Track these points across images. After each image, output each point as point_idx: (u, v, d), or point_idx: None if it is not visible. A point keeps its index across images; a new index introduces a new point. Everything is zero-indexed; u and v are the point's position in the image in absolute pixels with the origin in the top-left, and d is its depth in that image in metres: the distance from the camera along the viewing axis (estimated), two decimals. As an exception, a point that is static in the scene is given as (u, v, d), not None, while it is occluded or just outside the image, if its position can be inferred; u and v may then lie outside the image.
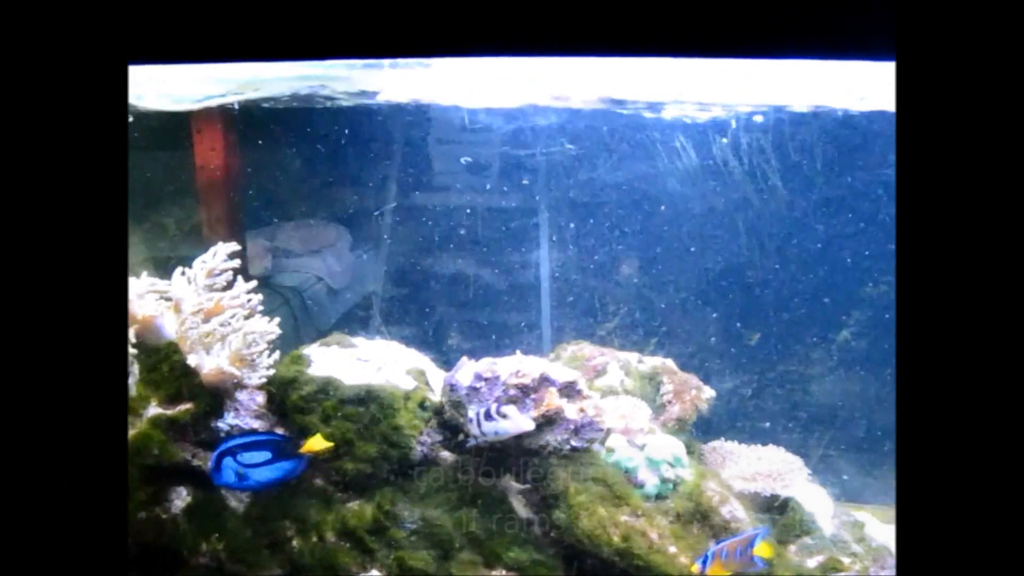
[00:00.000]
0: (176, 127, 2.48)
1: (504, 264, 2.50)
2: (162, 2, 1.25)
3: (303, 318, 2.98)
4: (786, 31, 1.14)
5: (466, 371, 1.75)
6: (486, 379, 1.72)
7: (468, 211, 2.54)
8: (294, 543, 1.78)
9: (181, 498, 1.84)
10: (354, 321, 2.63)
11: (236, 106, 2.45)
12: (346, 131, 2.57)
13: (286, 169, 2.87)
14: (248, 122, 2.57)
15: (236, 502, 1.85)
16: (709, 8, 1.13)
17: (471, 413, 1.66)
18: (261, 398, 1.89)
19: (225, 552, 1.80)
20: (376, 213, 2.75)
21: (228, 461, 1.64)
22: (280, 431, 1.80)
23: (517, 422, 1.59)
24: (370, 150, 2.77)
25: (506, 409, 1.48)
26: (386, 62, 2.08)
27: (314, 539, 1.76)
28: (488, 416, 1.56)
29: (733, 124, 2.22)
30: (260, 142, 2.70)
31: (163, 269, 2.61)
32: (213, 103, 2.41)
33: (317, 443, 1.68)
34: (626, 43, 1.26)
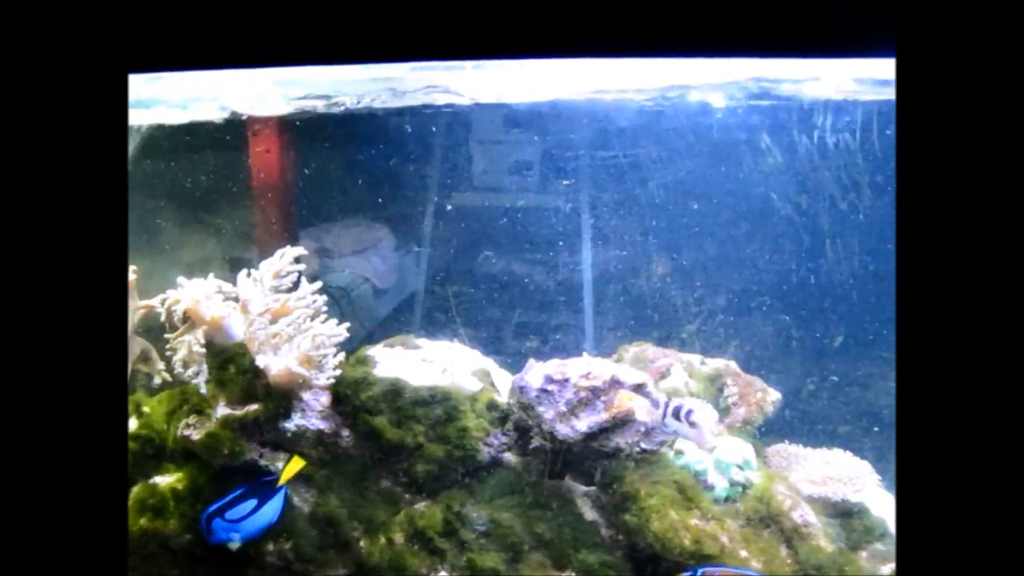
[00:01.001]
0: (231, 131, 2.50)
1: (558, 264, 2.49)
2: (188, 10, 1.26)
3: (351, 318, 2.99)
4: (786, 29, 1.13)
5: (535, 373, 1.74)
6: (556, 381, 1.71)
7: (534, 211, 2.53)
8: (361, 544, 1.79)
9: (248, 498, 1.85)
10: (413, 322, 2.63)
11: (293, 111, 2.47)
12: (399, 133, 2.58)
13: (334, 170, 2.87)
14: (299, 125, 2.58)
15: (301, 501, 1.86)
16: (707, 8, 1.13)
17: (657, 401, 1.62)
18: (325, 399, 1.89)
19: (292, 551, 1.80)
20: (431, 213, 2.75)
21: (218, 522, 1.65)
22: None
23: (701, 435, 1.55)
24: (424, 151, 2.77)
25: (696, 417, 1.46)
26: (440, 63, 2.08)
27: (382, 540, 1.76)
28: (677, 415, 1.52)
29: (824, 117, 2.18)
30: (310, 144, 2.71)
31: (220, 269, 2.64)
32: (270, 108, 2.42)
33: (294, 466, 1.70)
34: (623, 43, 1.25)
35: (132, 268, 2.10)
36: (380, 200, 2.84)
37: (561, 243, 2.47)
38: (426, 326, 2.59)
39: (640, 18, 1.17)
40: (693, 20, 1.16)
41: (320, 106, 2.48)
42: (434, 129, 2.63)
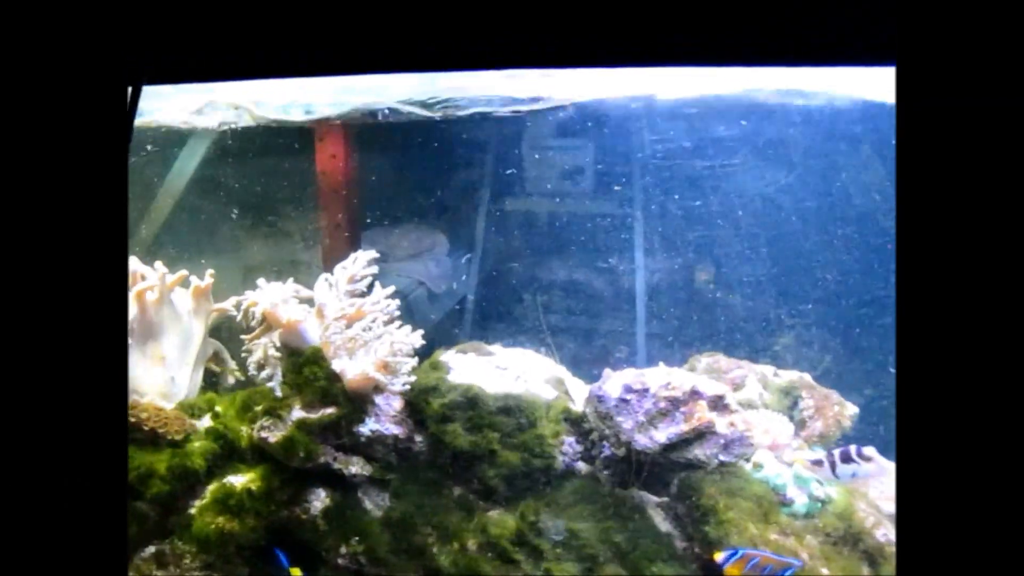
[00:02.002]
0: (298, 136, 2.52)
1: (624, 271, 2.47)
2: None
3: (407, 322, 3.01)
4: (785, 38, 1.11)
5: (614, 383, 1.72)
6: (636, 391, 1.69)
7: (608, 219, 2.52)
8: (434, 550, 1.79)
9: (320, 499, 1.86)
10: (481, 328, 2.63)
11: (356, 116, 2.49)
12: (465, 136, 2.58)
13: (392, 175, 2.89)
14: (362, 130, 2.60)
15: (373, 505, 1.87)
16: (704, 16, 1.11)
17: (815, 459, 1.63)
18: (397, 403, 1.90)
19: (364, 555, 1.81)
20: (487, 217, 2.75)
21: None
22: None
23: (880, 466, 1.53)
24: (486, 157, 2.78)
25: (867, 451, 1.44)
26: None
27: (455, 547, 1.76)
28: (847, 458, 1.51)
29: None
30: (371, 149, 2.73)
31: (286, 272, 2.67)
32: (334, 114, 2.44)
33: None
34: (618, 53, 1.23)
35: (209, 272, 2.14)
36: (440, 205, 2.85)
37: (625, 251, 2.45)
38: (490, 332, 2.58)
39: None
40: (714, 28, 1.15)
41: (381, 112, 2.50)
42: (505, 134, 2.63)
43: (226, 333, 2.33)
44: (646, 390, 1.69)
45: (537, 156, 2.81)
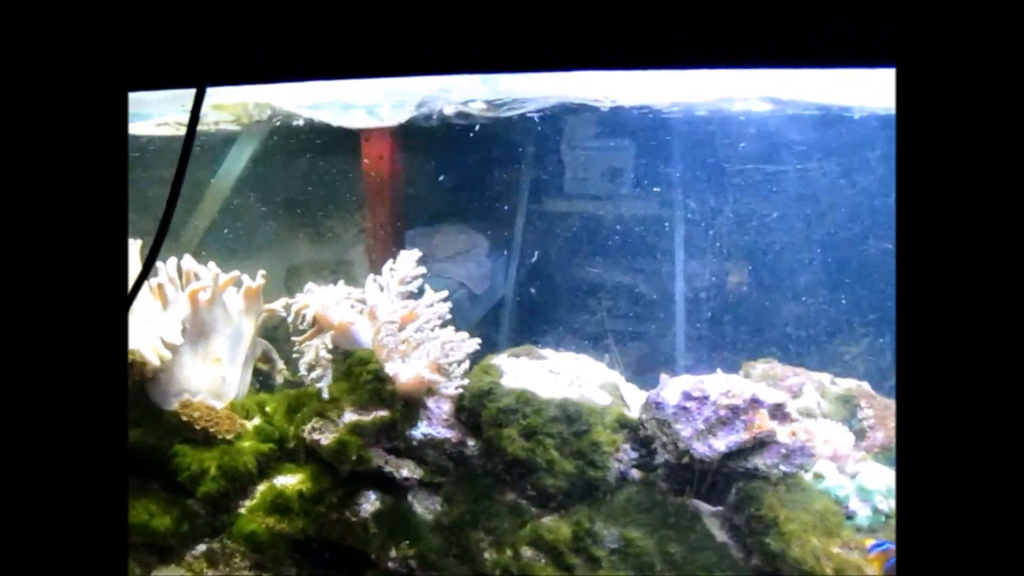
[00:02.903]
0: (344, 136, 2.52)
1: (667, 275, 2.43)
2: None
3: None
4: (783, 39, 1.08)
5: (672, 389, 1.69)
6: (695, 398, 1.66)
7: (654, 220, 2.48)
8: (486, 555, 1.77)
9: (370, 502, 1.85)
10: (533, 332, 2.61)
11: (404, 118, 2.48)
12: (509, 136, 2.56)
13: (433, 175, 2.88)
14: (408, 131, 2.59)
15: (423, 510, 1.85)
16: (701, 17, 1.08)
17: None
18: (447, 406, 1.89)
19: (415, 559, 1.80)
20: (530, 219, 2.73)
21: None
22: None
23: None
24: (525, 156, 2.76)
25: None
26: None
27: (508, 552, 1.74)
28: None
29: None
30: (416, 149, 2.72)
31: (331, 273, 2.67)
32: (385, 115, 2.44)
33: None
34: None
35: (261, 273, 2.15)
36: (482, 206, 2.83)
37: (673, 254, 2.41)
38: (537, 335, 2.56)
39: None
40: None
41: (428, 113, 2.49)
42: (548, 134, 2.60)
43: (274, 333, 2.34)
44: (706, 397, 1.65)
45: (584, 156, 2.78)
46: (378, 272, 2.40)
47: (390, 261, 1.91)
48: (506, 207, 2.81)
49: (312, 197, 2.65)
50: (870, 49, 1.05)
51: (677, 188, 2.44)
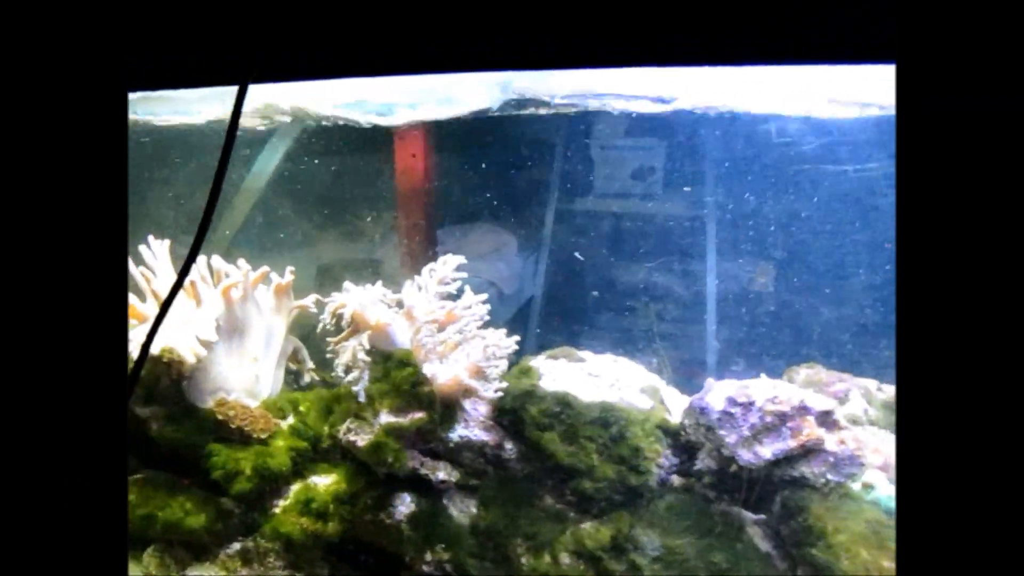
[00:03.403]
0: (378, 135, 2.50)
1: (706, 277, 2.39)
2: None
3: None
4: (784, 36, 1.06)
5: (717, 394, 1.65)
6: (741, 404, 1.62)
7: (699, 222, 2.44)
8: (524, 560, 1.74)
9: (405, 505, 1.83)
10: (573, 334, 2.58)
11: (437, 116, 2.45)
12: (544, 134, 2.53)
13: (462, 174, 2.85)
14: (441, 129, 2.56)
15: (459, 513, 1.83)
16: (701, 15, 1.07)
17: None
18: (484, 409, 1.86)
19: (450, 563, 1.78)
20: (560, 218, 2.70)
21: None
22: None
23: None
24: (553, 155, 2.72)
25: None
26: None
27: (546, 558, 1.72)
28: None
29: None
30: (448, 148, 2.69)
31: (362, 271, 2.65)
32: (420, 113, 2.41)
33: None
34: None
35: (289, 269, 2.13)
36: (513, 205, 2.80)
37: (713, 256, 2.37)
38: (575, 337, 2.53)
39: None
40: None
41: (462, 112, 2.46)
42: (581, 131, 2.57)
43: (303, 331, 2.33)
44: (751, 403, 1.61)
45: (619, 155, 2.74)
46: (410, 271, 2.38)
47: (430, 263, 1.89)
48: (538, 206, 2.78)
49: (343, 196, 2.64)
50: (870, 47, 1.03)
51: (715, 187, 2.40)
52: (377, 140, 2.55)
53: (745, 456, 1.60)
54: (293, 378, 2.31)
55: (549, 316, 2.62)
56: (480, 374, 1.74)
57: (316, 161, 2.63)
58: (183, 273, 1.39)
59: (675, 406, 1.83)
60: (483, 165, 2.82)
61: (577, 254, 2.60)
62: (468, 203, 2.92)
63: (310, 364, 2.27)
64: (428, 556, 1.79)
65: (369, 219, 2.63)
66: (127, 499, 1.96)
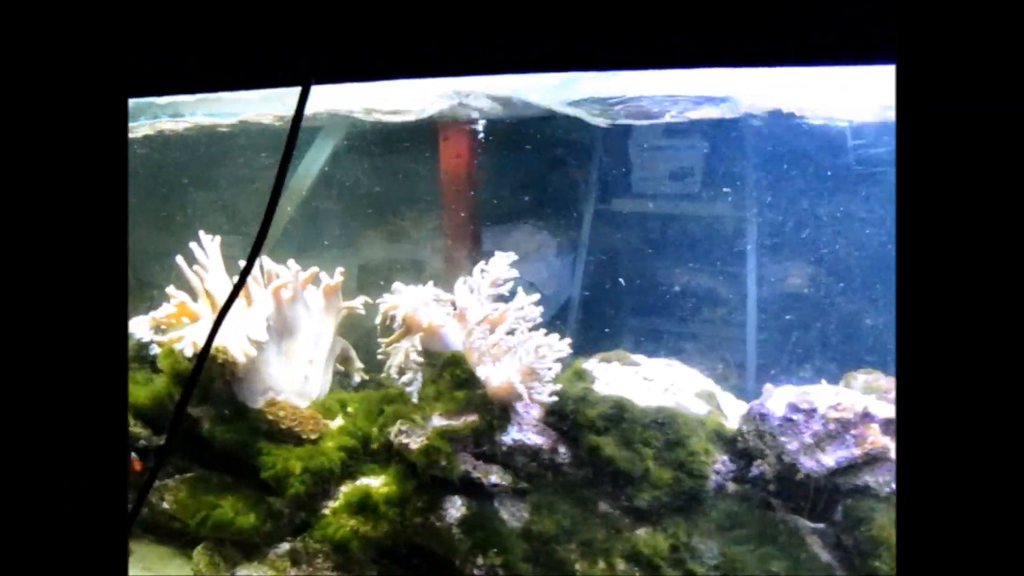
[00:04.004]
0: (422, 135, 2.50)
1: (760, 281, 2.35)
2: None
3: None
4: (784, 37, 1.04)
5: (777, 400, 1.62)
6: (802, 411, 1.59)
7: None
8: (578, 566, 1.72)
9: (456, 508, 1.82)
10: (619, 336, 2.56)
11: (478, 116, 2.44)
12: (587, 136, 2.51)
13: (511, 175, 2.84)
14: (486, 130, 2.55)
15: (509, 516, 1.82)
16: (700, 17, 1.05)
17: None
18: (535, 411, 1.85)
19: (503, 568, 1.76)
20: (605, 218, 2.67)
21: None
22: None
23: None
24: (596, 158, 2.70)
25: None
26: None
27: (601, 564, 1.69)
28: None
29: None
30: (491, 149, 2.68)
31: (406, 272, 2.65)
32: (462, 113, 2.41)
33: None
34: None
35: (339, 270, 2.13)
36: (557, 206, 2.78)
37: (766, 259, 2.33)
38: (621, 339, 2.50)
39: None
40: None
41: (500, 112, 2.45)
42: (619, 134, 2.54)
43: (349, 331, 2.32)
44: (813, 410, 1.58)
45: (678, 156, 2.70)
46: (452, 271, 2.37)
47: (481, 263, 1.88)
48: (582, 207, 2.76)
49: (387, 195, 2.64)
50: (871, 49, 1.01)
51: (765, 188, 2.37)
52: (421, 139, 2.55)
53: (807, 464, 1.57)
54: (340, 379, 2.32)
55: (592, 318, 2.60)
56: (534, 376, 1.72)
57: (359, 160, 2.63)
58: (244, 273, 1.38)
59: (731, 411, 1.80)
60: (526, 165, 2.81)
61: (618, 255, 2.58)
62: (511, 203, 2.91)
63: (358, 364, 2.27)
64: (480, 560, 1.78)
65: (410, 219, 2.63)
66: (127, 499, 1.96)
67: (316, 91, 2.49)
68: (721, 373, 1.93)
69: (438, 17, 1.30)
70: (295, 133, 1.41)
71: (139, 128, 2.47)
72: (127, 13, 1.23)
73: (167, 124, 2.45)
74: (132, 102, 2.30)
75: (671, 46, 1.13)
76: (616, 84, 2.06)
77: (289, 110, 2.51)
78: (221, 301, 1.98)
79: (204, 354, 1.36)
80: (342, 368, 2.27)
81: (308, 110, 2.59)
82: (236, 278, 2.06)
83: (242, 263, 2.03)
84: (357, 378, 2.27)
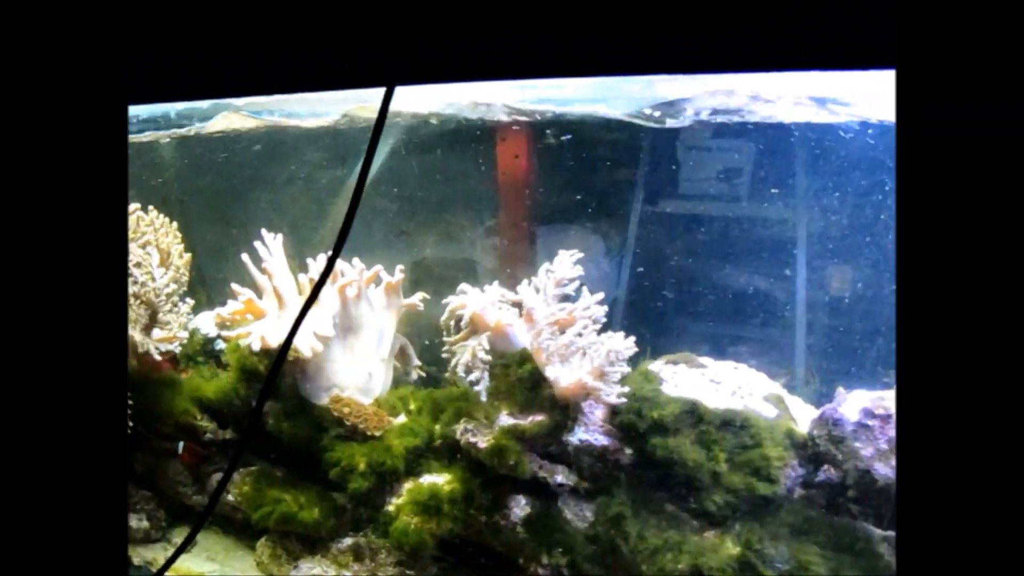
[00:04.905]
0: (478, 136, 2.51)
1: (826, 284, 2.33)
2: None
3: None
4: (783, 42, 1.05)
5: (851, 405, 1.61)
6: (878, 416, 1.57)
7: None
8: (644, 568, 1.72)
9: (520, 507, 1.83)
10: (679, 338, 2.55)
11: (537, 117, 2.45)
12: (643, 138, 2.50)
13: (568, 176, 2.84)
14: (543, 131, 2.55)
15: (573, 516, 1.82)
16: (699, 21, 1.06)
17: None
18: (599, 412, 1.85)
19: (567, 568, 1.77)
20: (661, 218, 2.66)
21: None
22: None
23: None
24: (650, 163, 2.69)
25: None
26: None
27: (668, 567, 1.69)
28: None
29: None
30: (547, 151, 2.68)
31: (457, 270, 2.66)
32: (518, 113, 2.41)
33: None
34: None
35: (399, 268, 2.15)
36: (614, 208, 2.77)
37: (835, 261, 2.31)
38: (682, 342, 2.49)
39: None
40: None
41: (553, 112, 2.45)
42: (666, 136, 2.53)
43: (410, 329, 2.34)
44: (889, 416, 1.56)
45: (710, 158, 2.69)
46: (508, 272, 2.37)
47: (547, 263, 1.88)
48: (631, 209, 2.75)
49: (441, 195, 2.65)
50: (871, 52, 1.01)
51: (820, 191, 2.34)
52: (476, 140, 2.56)
53: (882, 470, 1.55)
54: (398, 376, 2.33)
55: (647, 320, 2.59)
56: (603, 377, 1.72)
57: (414, 161, 2.65)
58: (325, 272, 1.40)
59: (800, 416, 1.79)
60: (583, 167, 2.80)
61: (668, 256, 2.57)
62: (567, 205, 2.90)
63: (416, 362, 2.29)
64: (544, 559, 1.79)
65: (466, 219, 2.64)
66: (127, 498, 2.00)
67: (370, 94, 2.50)
68: (786, 377, 1.91)
69: (526, 19, 1.31)
70: (378, 134, 1.43)
71: (210, 125, 2.52)
72: (224, 17, 1.26)
73: (237, 121, 2.49)
74: (211, 103, 2.34)
75: (671, 49, 1.11)
76: (676, 87, 2.06)
77: (342, 113, 2.54)
78: (287, 298, 2.01)
79: (283, 353, 1.38)
80: (399, 365, 2.29)
81: (359, 112, 2.59)
82: (301, 276, 2.09)
83: (321, 260, 2.05)
84: (414, 375, 2.29)
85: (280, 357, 1.35)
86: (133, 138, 2.68)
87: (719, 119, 2.24)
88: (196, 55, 1.41)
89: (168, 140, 2.79)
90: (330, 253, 1.28)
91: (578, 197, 2.76)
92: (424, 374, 2.31)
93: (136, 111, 2.47)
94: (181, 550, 1.52)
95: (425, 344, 2.39)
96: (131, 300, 2.03)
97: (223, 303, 2.07)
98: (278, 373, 1.87)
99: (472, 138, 2.57)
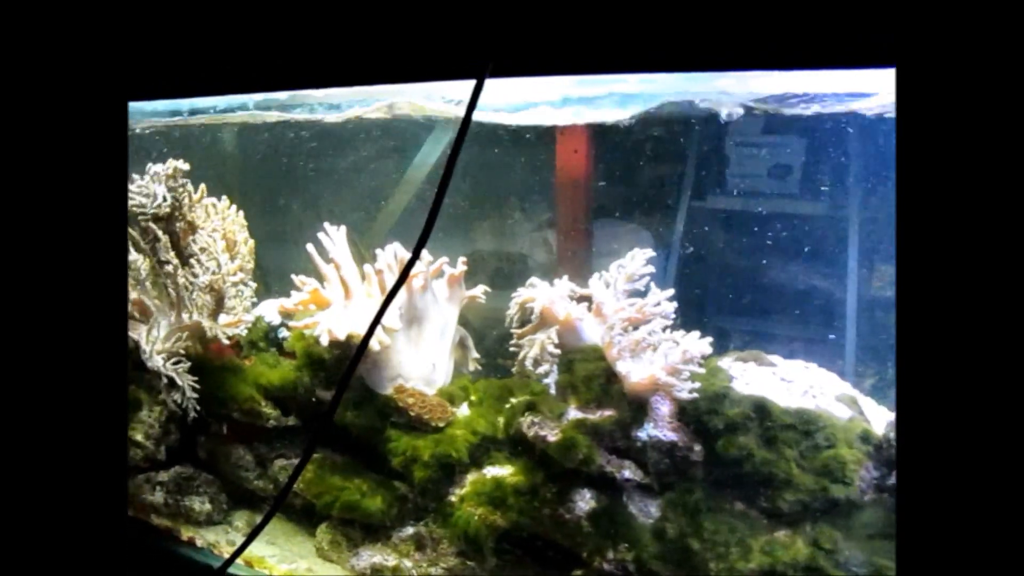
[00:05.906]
0: (534, 131, 2.51)
1: (882, 283, 2.31)
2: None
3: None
4: (780, 40, 1.06)
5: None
6: (960, 420, 1.55)
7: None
8: (711, 566, 1.72)
9: (585, 501, 1.83)
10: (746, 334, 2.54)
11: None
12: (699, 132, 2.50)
13: (628, 174, 2.83)
14: (602, 127, 2.55)
15: (640, 513, 1.82)
16: (699, 19, 1.08)
17: None
18: (666, 408, 1.84)
19: (633, 564, 1.77)
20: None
21: None
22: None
23: None
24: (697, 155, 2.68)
25: None
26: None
27: (737, 566, 1.69)
28: None
29: None
30: (605, 146, 2.68)
31: (518, 266, 2.67)
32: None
33: None
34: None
35: (462, 259, 2.16)
36: (672, 206, 2.76)
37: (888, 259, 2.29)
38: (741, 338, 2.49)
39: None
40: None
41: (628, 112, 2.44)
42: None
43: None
44: (971, 420, 1.54)
45: (767, 154, 2.67)
46: (564, 267, 2.37)
47: (618, 260, 1.88)
48: (686, 206, 2.74)
49: (499, 189, 2.66)
50: (871, 50, 1.01)
51: (879, 189, 2.32)
52: (535, 136, 2.56)
53: (963, 474, 1.53)
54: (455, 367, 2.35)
55: (708, 317, 2.58)
56: (676, 374, 1.72)
57: (475, 154, 2.66)
58: (410, 264, 1.41)
59: (874, 417, 1.77)
60: (641, 163, 2.80)
61: (724, 253, 2.56)
62: (625, 202, 2.90)
63: (474, 354, 2.30)
64: (609, 555, 1.79)
65: (521, 213, 2.65)
66: (127, 495, 2.01)
67: (431, 89, 2.50)
68: (855, 377, 1.89)
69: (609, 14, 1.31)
70: (466, 126, 1.44)
71: (269, 115, 2.54)
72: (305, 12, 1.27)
73: (299, 115, 2.51)
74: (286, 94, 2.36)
75: (670, 50, 1.13)
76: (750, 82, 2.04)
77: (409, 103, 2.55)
78: (353, 289, 2.03)
79: (361, 349, 1.39)
80: (459, 357, 2.30)
81: (420, 108, 2.60)
82: (364, 267, 2.10)
83: (390, 252, 2.06)
84: (472, 367, 2.30)
85: (357, 355, 1.36)
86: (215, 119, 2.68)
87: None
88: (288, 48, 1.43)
89: (236, 127, 2.82)
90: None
91: (638, 193, 2.76)
92: (480, 366, 2.32)
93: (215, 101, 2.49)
94: (249, 541, 1.54)
95: (483, 336, 2.40)
96: (197, 287, 2.06)
97: (280, 291, 2.09)
98: (354, 369, 1.88)
99: (531, 134, 2.57)
